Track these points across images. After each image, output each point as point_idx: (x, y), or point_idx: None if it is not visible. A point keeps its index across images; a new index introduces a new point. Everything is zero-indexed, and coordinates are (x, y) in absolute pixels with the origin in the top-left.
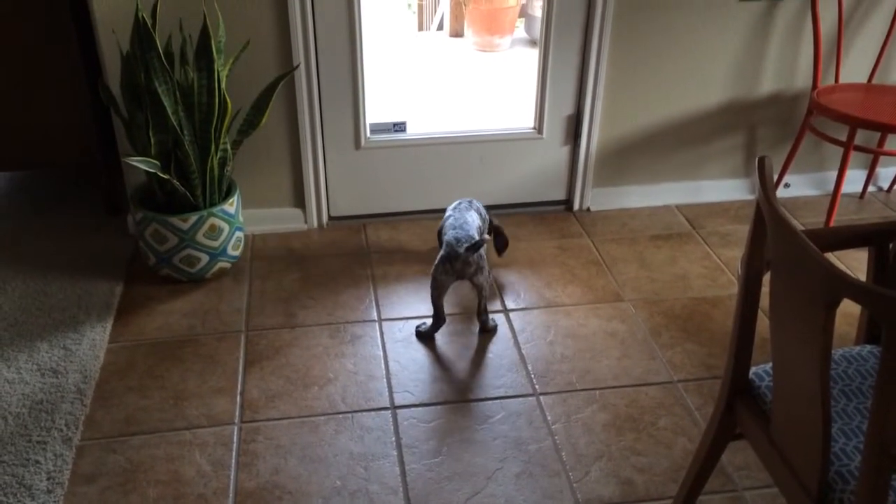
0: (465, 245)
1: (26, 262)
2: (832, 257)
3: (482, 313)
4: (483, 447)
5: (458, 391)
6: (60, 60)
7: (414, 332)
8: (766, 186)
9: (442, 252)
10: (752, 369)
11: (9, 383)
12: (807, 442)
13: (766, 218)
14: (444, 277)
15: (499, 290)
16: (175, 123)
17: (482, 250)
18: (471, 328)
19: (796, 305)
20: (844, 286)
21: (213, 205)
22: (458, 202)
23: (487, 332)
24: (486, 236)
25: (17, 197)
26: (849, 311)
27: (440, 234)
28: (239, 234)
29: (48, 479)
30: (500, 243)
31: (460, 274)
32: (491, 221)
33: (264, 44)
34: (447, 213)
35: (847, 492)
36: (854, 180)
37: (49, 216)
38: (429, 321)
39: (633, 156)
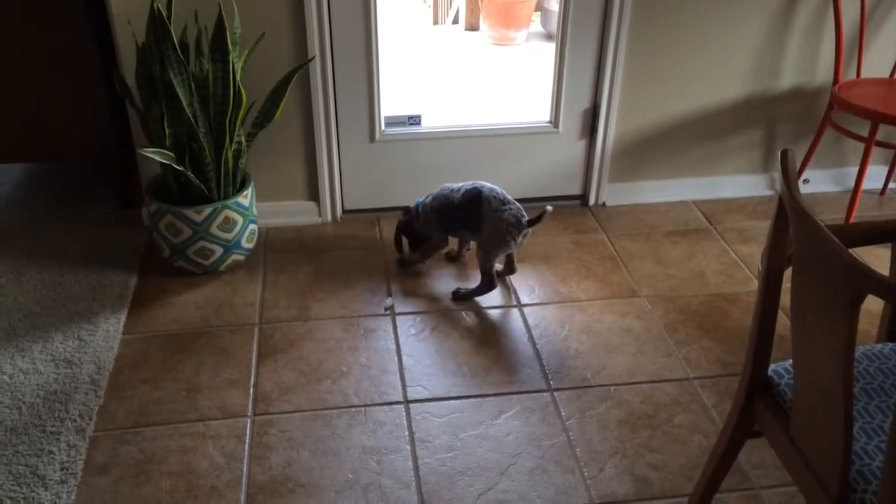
0: (527, 219)
1: (41, 253)
2: (853, 254)
3: (512, 265)
4: (496, 442)
5: (471, 386)
6: (76, 52)
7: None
8: (789, 180)
9: (508, 225)
10: (771, 366)
11: (23, 373)
12: (827, 440)
13: (789, 212)
14: (504, 248)
15: (513, 284)
16: (190, 115)
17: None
18: (485, 322)
19: (819, 302)
20: (870, 282)
21: (227, 197)
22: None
23: (513, 272)
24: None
25: (32, 188)
26: (870, 308)
27: (474, 213)
28: (253, 226)
29: (62, 469)
30: None
31: (517, 242)
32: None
33: (279, 36)
34: (491, 194)
35: (868, 492)
36: (875, 176)
37: (64, 208)
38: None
39: (650, 150)
